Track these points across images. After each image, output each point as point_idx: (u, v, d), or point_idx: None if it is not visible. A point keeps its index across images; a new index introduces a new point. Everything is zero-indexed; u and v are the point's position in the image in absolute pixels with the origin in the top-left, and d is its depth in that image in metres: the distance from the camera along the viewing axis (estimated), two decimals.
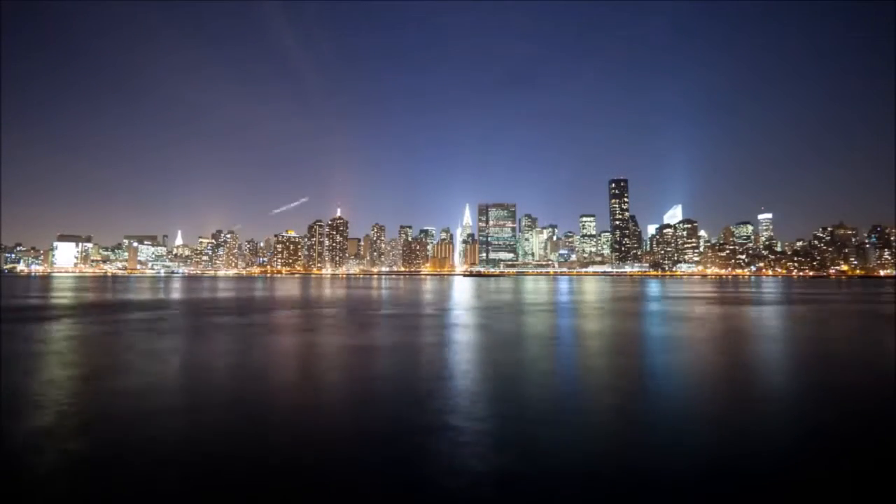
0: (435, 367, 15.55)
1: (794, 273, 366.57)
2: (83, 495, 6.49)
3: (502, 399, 11.74)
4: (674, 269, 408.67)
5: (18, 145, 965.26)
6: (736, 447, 8.38)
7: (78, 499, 6.41)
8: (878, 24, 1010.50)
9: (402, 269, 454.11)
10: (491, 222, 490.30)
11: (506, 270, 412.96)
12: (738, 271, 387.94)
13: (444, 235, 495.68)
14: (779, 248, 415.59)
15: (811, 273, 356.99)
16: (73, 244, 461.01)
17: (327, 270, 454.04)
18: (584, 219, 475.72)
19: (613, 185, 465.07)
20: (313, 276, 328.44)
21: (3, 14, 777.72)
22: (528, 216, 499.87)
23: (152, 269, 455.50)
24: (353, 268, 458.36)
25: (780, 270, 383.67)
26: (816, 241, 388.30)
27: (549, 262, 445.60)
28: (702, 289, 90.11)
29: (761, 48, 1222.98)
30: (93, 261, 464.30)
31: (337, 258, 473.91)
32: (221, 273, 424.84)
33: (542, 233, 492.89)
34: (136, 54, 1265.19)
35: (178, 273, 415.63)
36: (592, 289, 78.69)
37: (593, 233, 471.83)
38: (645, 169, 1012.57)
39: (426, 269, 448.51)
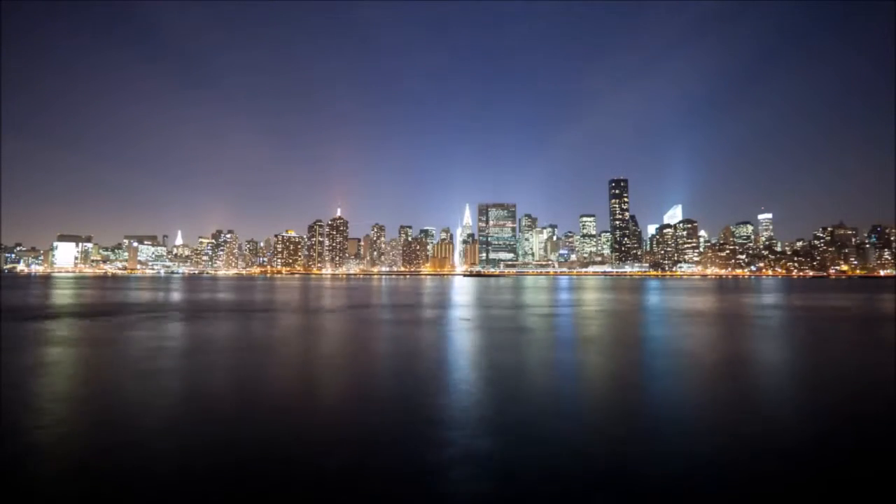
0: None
1: (793, 273, 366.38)
2: None
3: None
4: (674, 269, 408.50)
5: (18, 145, 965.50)
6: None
7: None
8: (877, 24, 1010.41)
9: (403, 269, 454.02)
10: (491, 222, 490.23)
11: (506, 270, 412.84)
12: (738, 271, 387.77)
13: (444, 235, 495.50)
14: (779, 248, 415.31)
15: (811, 273, 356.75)
16: (73, 244, 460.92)
17: (327, 270, 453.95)
18: (584, 219, 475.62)
19: (613, 185, 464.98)
20: (313, 276, 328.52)
21: (2, 15, 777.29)
22: (528, 216, 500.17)
23: (152, 268, 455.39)
24: (353, 268, 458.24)
25: (780, 270, 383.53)
26: (816, 241, 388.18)
27: (549, 262, 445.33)
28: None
29: (761, 48, 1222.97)
30: (93, 261, 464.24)
31: (337, 258, 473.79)
32: (221, 273, 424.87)
33: (542, 233, 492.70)
34: (136, 53, 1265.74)
35: (178, 273, 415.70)
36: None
37: (593, 233, 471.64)
38: (645, 169, 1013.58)
39: (426, 269, 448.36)
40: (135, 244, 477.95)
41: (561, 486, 6.90)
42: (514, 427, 9.58)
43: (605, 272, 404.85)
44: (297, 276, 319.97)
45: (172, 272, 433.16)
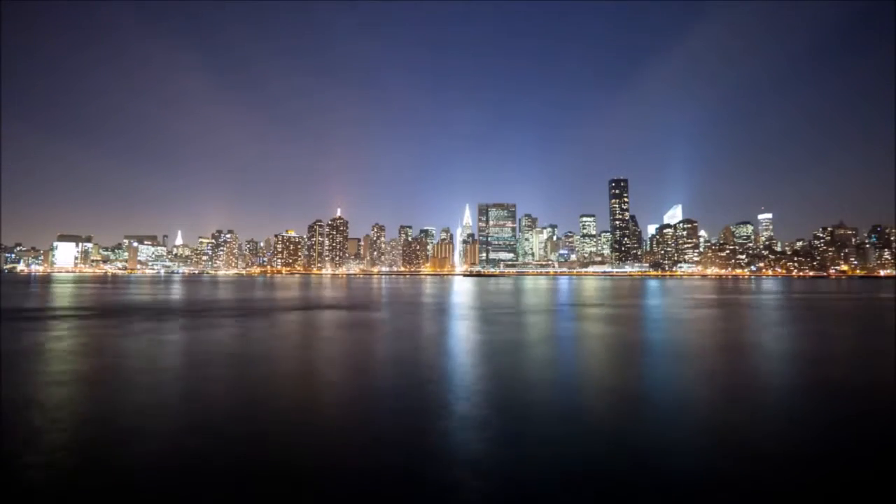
0: None
1: (794, 273, 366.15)
2: None
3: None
4: (674, 269, 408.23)
5: (19, 145, 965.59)
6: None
7: None
8: (878, 24, 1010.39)
9: (403, 269, 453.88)
10: (491, 222, 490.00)
11: (506, 270, 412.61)
12: (738, 271, 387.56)
13: (444, 235, 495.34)
14: (779, 248, 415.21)
15: (811, 273, 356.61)
16: (73, 244, 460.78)
17: (327, 270, 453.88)
18: (584, 219, 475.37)
19: (613, 185, 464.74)
20: (313, 275, 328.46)
21: (3, 13, 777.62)
22: (528, 216, 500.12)
23: (152, 268, 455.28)
24: (353, 268, 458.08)
25: (779, 270, 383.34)
26: (816, 241, 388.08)
27: (549, 262, 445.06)
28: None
29: (760, 48, 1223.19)
30: (93, 261, 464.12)
31: (337, 258, 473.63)
32: (221, 273, 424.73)
33: (542, 233, 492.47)
34: (137, 53, 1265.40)
35: (177, 273, 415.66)
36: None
37: (593, 233, 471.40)
38: (645, 169, 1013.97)
39: (426, 269, 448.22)
40: (135, 244, 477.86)
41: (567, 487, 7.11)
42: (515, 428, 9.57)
43: (605, 272, 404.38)
44: (296, 275, 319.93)
45: (172, 272, 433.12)
